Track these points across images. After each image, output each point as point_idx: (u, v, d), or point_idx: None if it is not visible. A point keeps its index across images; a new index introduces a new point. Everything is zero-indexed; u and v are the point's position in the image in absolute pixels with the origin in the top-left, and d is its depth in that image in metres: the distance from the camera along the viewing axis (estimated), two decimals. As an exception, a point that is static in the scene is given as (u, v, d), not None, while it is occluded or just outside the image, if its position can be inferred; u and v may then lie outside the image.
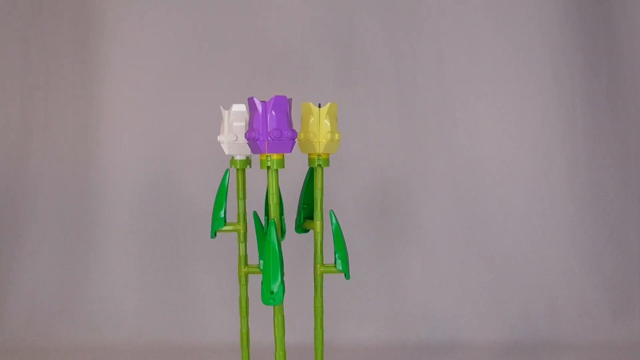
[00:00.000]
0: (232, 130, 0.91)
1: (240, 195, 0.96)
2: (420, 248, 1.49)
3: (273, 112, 0.86)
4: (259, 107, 0.86)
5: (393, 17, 1.51)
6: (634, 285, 1.47)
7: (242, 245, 0.96)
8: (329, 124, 0.91)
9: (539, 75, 1.50)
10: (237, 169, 0.95)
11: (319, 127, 0.91)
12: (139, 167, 1.52)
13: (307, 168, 0.96)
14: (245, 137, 0.88)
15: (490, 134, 1.51)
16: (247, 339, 0.99)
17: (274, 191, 0.88)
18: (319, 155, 0.92)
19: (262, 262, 0.90)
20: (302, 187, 0.99)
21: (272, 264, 0.86)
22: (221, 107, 0.93)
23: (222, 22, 1.52)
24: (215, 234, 0.95)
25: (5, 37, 1.53)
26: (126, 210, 1.51)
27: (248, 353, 0.99)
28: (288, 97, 0.88)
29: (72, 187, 1.52)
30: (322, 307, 0.97)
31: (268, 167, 0.87)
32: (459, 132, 1.51)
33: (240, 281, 0.97)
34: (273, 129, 0.85)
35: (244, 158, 0.93)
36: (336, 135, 0.92)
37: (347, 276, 0.94)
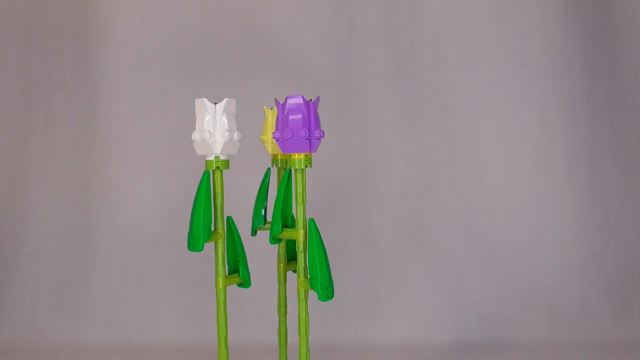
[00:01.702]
0: (225, 126, 0.83)
1: (220, 201, 0.86)
2: (420, 248, 1.49)
3: (316, 112, 0.85)
4: (306, 107, 0.84)
5: (393, 17, 1.51)
6: (634, 285, 1.47)
7: (221, 255, 0.86)
8: None
9: (539, 76, 1.50)
10: (216, 171, 0.85)
11: None
12: (139, 167, 1.52)
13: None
14: (286, 136, 0.83)
15: (490, 134, 1.51)
16: None
17: (302, 191, 0.85)
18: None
19: (245, 271, 0.88)
20: (259, 191, 0.94)
21: (326, 261, 0.83)
22: (206, 100, 0.84)
23: (222, 22, 1.52)
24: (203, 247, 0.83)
25: (5, 37, 1.53)
26: (126, 210, 1.51)
27: None
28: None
29: (72, 187, 1.52)
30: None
31: (306, 167, 0.84)
32: (459, 132, 1.51)
33: (218, 296, 0.85)
34: (318, 128, 0.84)
35: (226, 158, 0.85)
36: None
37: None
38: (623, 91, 1.50)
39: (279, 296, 0.96)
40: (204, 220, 0.83)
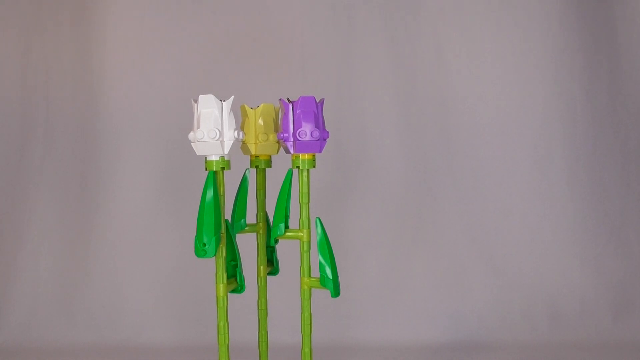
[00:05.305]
0: (234, 125, 0.79)
1: (222, 204, 0.80)
2: (421, 248, 1.49)
3: (322, 113, 0.87)
4: (318, 108, 0.85)
5: (393, 17, 1.51)
6: (634, 285, 1.47)
7: (223, 261, 0.81)
8: None
9: (539, 75, 1.50)
10: (219, 172, 0.80)
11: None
12: (139, 167, 1.52)
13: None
14: (300, 136, 0.83)
15: (490, 134, 1.51)
16: None
17: (307, 191, 0.86)
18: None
19: (241, 275, 0.86)
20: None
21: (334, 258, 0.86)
22: (213, 97, 0.79)
23: (222, 22, 1.52)
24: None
25: (5, 37, 1.53)
26: (126, 210, 1.51)
27: None
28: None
29: (72, 187, 1.52)
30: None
31: (313, 167, 0.86)
32: (459, 132, 1.51)
33: (219, 304, 0.81)
34: (325, 129, 0.87)
35: (227, 159, 0.81)
36: None
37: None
38: (623, 91, 1.50)
39: (259, 300, 0.93)
40: (216, 225, 0.78)
